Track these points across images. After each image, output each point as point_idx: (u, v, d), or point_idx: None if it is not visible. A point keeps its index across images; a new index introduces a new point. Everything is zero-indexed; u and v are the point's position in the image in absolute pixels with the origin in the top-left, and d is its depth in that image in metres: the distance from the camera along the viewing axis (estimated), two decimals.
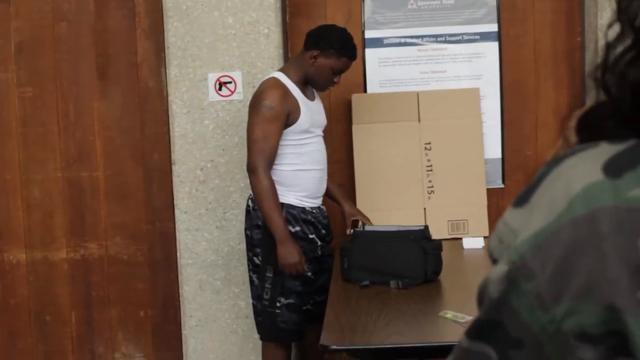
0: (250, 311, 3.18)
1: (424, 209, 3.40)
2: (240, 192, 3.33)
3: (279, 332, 3.03)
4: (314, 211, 3.07)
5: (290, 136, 2.97)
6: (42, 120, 3.59)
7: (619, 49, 0.66)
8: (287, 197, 2.99)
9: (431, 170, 3.40)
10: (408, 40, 3.48)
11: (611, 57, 0.67)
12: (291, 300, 3.00)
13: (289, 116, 2.94)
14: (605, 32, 0.69)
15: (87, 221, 3.63)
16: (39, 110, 3.59)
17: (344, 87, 3.47)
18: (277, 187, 2.93)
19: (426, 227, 2.88)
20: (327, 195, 3.21)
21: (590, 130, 0.69)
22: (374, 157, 3.37)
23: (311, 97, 3.05)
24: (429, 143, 3.40)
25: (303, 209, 3.03)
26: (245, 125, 3.01)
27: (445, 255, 2.81)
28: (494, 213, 3.36)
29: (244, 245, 3.13)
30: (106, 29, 3.56)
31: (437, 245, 2.81)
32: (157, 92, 3.58)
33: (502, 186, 3.50)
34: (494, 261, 0.68)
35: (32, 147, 3.60)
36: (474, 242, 3.24)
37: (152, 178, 3.62)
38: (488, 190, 3.39)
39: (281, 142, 2.95)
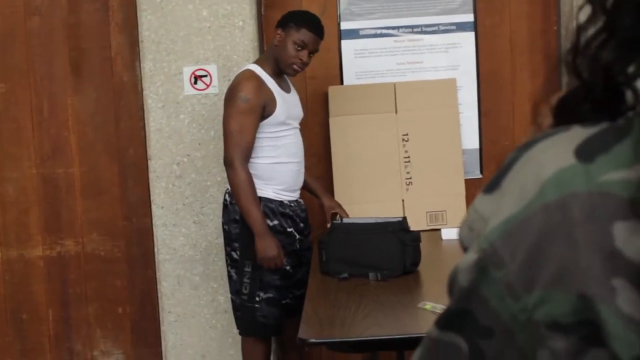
0: (229, 306, 3.16)
1: (402, 200, 3.39)
2: (217, 187, 3.30)
3: (258, 326, 3.02)
4: (292, 204, 3.05)
5: (267, 129, 2.94)
6: (15, 116, 3.55)
7: (590, 31, 0.65)
8: (265, 190, 2.97)
9: (409, 161, 3.39)
10: (384, 31, 3.46)
11: (582, 40, 0.66)
12: (270, 295, 2.99)
13: (265, 108, 2.91)
14: (576, 15, 0.68)
15: (62, 218, 3.59)
16: (12, 106, 3.55)
17: (321, 79, 3.45)
18: (255, 180, 2.91)
19: (404, 218, 2.87)
20: (306, 188, 3.19)
21: (565, 115, 0.68)
22: (351, 149, 3.36)
23: (287, 89, 3.03)
24: (407, 134, 3.39)
25: (281, 203, 3.02)
26: (221, 118, 2.98)
27: (424, 246, 2.81)
28: None
29: (221, 240, 3.11)
30: (79, 23, 3.51)
31: (416, 236, 2.80)
32: (132, 87, 3.55)
33: (480, 176, 3.50)
34: (465, 249, 0.67)
35: (6, 144, 3.55)
36: (452, 233, 3.23)
37: (128, 173, 3.58)
38: (466, 180, 3.39)
39: (258, 135, 2.92)
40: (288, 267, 3.02)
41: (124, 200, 3.58)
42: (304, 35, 2.92)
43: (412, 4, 3.46)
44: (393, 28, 3.46)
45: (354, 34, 3.46)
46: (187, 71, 3.30)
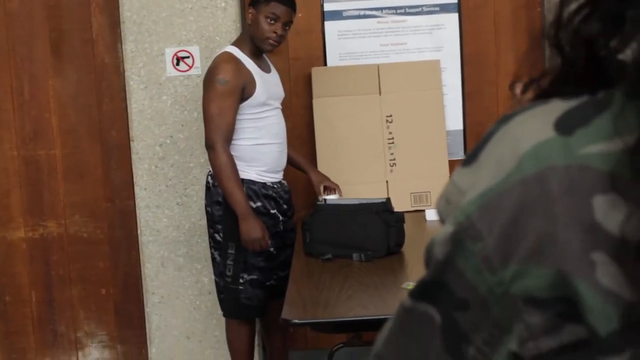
0: (213, 287, 3.16)
1: (387, 182, 3.40)
2: (200, 168, 3.29)
3: (242, 308, 3.02)
4: (275, 186, 3.05)
5: (247, 110, 2.93)
6: None
7: (573, 5, 0.65)
8: (247, 172, 2.96)
9: (393, 143, 3.39)
10: (367, 12, 3.45)
11: (565, 14, 0.65)
12: (254, 276, 2.99)
13: (244, 90, 2.90)
14: None
15: (45, 200, 3.57)
16: None
17: (304, 60, 3.44)
18: (237, 162, 2.90)
19: (388, 199, 2.88)
20: (292, 164, 3.19)
21: (546, 90, 0.67)
22: (335, 131, 3.35)
23: (266, 69, 3.01)
24: (390, 116, 3.39)
25: (264, 184, 3.01)
26: None
27: (408, 227, 2.82)
28: None
29: (205, 222, 3.11)
30: (59, 4, 3.47)
31: (399, 217, 2.81)
32: (114, 68, 3.52)
33: (464, 158, 3.51)
34: (443, 222, 0.66)
35: None
36: (436, 214, 3.24)
37: (110, 155, 3.56)
38: (450, 162, 3.40)
39: (239, 117, 2.91)
40: (272, 249, 3.02)
41: (106, 182, 3.57)
42: (273, 7, 2.90)
43: None
44: (376, 9, 3.45)
45: (337, 15, 3.45)
46: (169, 52, 3.28)
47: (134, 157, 3.34)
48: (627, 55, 0.62)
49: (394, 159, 3.39)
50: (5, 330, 3.62)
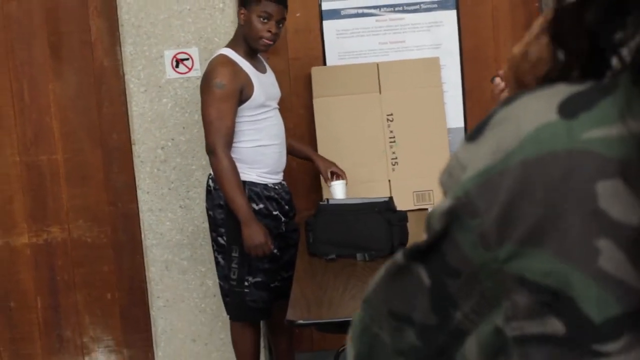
0: (217, 290, 3.16)
1: (389, 181, 3.39)
2: (202, 170, 3.29)
3: (248, 311, 3.02)
4: (276, 187, 3.04)
5: (247, 112, 2.92)
6: None
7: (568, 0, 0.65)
8: (249, 174, 2.96)
9: (394, 141, 3.39)
10: (365, 10, 3.44)
11: (562, 9, 0.65)
12: (259, 279, 2.98)
13: (242, 92, 2.89)
14: None
15: (48, 205, 3.57)
16: None
17: (303, 60, 3.43)
18: (239, 165, 2.90)
19: (390, 198, 2.87)
20: (296, 155, 3.19)
21: (550, 75, 0.67)
22: (336, 130, 3.34)
23: (262, 70, 3.00)
24: (391, 114, 3.38)
25: (265, 186, 3.01)
26: None
27: (411, 226, 2.81)
28: None
29: (208, 225, 3.10)
30: (57, 7, 3.47)
31: (402, 216, 2.81)
32: (113, 71, 3.52)
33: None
34: (445, 194, 0.67)
35: None
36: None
37: (112, 159, 3.56)
38: None
39: (238, 120, 2.90)
40: (275, 250, 3.01)
41: (108, 185, 3.57)
42: (265, 6, 2.86)
43: None
44: (374, 7, 3.43)
45: (335, 14, 3.44)
46: (169, 55, 3.27)
47: (135, 160, 3.34)
48: (631, 46, 0.61)
49: (396, 158, 3.39)
50: (11, 336, 3.62)
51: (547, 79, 0.67)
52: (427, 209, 3.30)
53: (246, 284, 2.98)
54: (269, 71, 3.05)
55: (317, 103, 3.37)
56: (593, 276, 0.60)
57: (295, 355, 3.41)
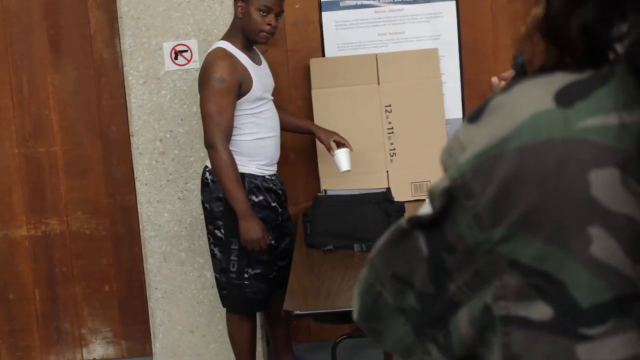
0: (215, 281, 3.16)
1: (387, 172, 3.39)
2: (201, 162, 3.29)
3: (248, 303, 3.02)
4: (273, 178, 3.05)
5: (246, 105, 2.92)
6: None
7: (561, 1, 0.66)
8: (249, 167, 2.96)
9: (392, 132, 3.38)
10: (365, 2, 3.43)
11: (556, 6, 0.66)
12: (258, 270, 2.98)
13: (241, 86, 2.88)
14: None
15: (46, 197, 3.57)
16: None
17: (302, 52, 3.43)
18: (238, 157, 2.89)
19: (388, 189, 2.87)
20: (296, 130, 3.20)
21: (549, 65, 0.68)
22: (334, 121, 3.34)
23: (258, 62, 2.99)
24: (389, 105, 3.38)
25: (264, 178, 3.01)
26: None
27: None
28: None
29: None
30: (57, 1, 3.47)
31: (400, 207, 2.81)
32: (112, 64, 3.52)
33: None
34: (445, 172, 0.69)
35: None
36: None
37: (111, 151, 3.56)
38: None
39: (237, 113, 2.89)
40: (273, 242, 3.01)
41: (107, 177, 3.57)
42: (266, 0, 2.86)
43: None
44: None
45: (334, 5, 3.43)
46: (167, 47, 3.27)
47: (134, 152, 3.34)
48: (625, 43, 0.62)
49: (394, 149, 3.39)
50: (9, 328, 3.63)
51: (546, 64, 0.68)
52: (425, 200, 3.30)
53: (246, 275, 2.97)
54: (264, 62, 3.05)
55: (315, 94, 3.37)
56: (584, 263, 0.61)
57: (294, 345, 3.42)
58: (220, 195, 2.93)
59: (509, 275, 0.63)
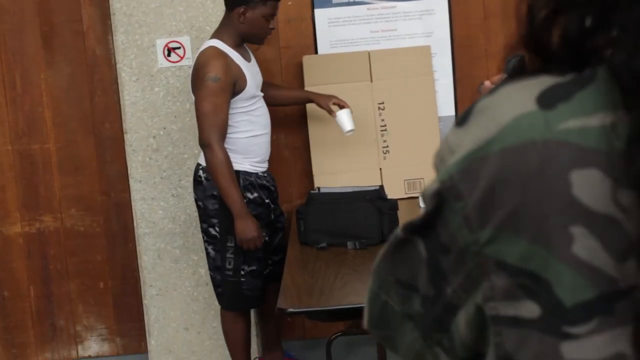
0: (210, 279, 3.17)
1: (380, 169, 3.40)
2: (194, 159, 3.29)
3: (244, 300, 3.03)
4: (265, 175, 3.06)
5: (240, 103, 2.93)
6: None
7: (542, 14, 0.67)
8: (243, 164, 2.97)
9: (385, 130, 3.39)
10: None
11: (537, 21, 0.67)
12: (253, 267, 3.00)
13: (236, 84, 2.89)
14: None
15: (40, 194, 3.57)
16: None
17: (295, 49, 3.43)
18: (233, 155, 2.90)
19: (381, 187, 2.88)
20: (294, 101, 3.23)
21: (533, 68, 0.69)
22: (327, 119, 3.34)
23: (248, 58, 3.00)
24: (382, 103, 3.39)
25: (257, 175, 3.02)
26: None
27: (402, 214, 2.82)
28: None
29: None
30: None
31: (393, 204, 2.82)
32: (105, 60, 3.52)
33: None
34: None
35: None
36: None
37: (104, 148, 3.57)
38: None
39: (232, 111, 2.90)
40: (267, 238, 3.03)
41: (101, 174, 3.57)
42: (272, 8, 2.91)
43: None
44: None
45: (327, 2, 3.43)
46: (160, 43, 3.27)
47: (127, 149, 3.35)
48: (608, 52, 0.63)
49: (387, 146, 3.39)
50: (4, 325, 3.63)
51: (531, 68, 0.69)
52: (418, 197, 3.31)
53: (242, 272, 2.99)
54: (253, 59, 3.06)
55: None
56: (567, 262, 0.62)
57: (288, 343, 3.43)
58: (214, 193, 2.93)
59: (496, 276, 0.64)
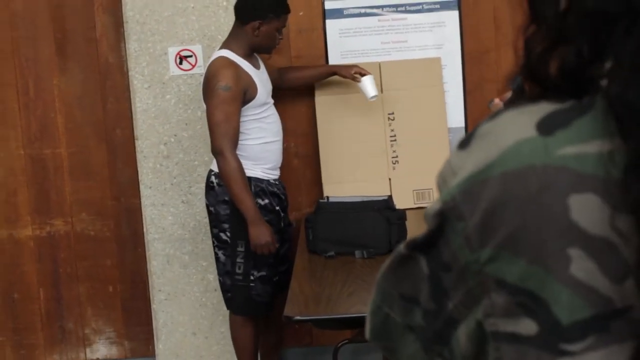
0: (218, 284, 3.19)
1: (389, 179, 3.42)
2: (204, 166, 3.32)
3: (254, 305, 3.06)
4: (277, 183, 3.10)
5: (251, 111, 2.97)
6: (2, 97, 3.55)
7: (538, 48, 0.69)
8: (254, 170, 3.00)
9: (395, 140, 3.41)
10: (368, 10, 3.46)
11: (534, 54, 0.70)
12: (263, 273, 3.03)
13: (246, 93, 2.94)
14: (523, 32, 0.72)
15: (51, 198, 3.61)
16: None
17: (306, 59, 3.46)
18: (244, 161, 2.94)
19: (390, 197, 2.90)
20: (318, 78, 3.27)
21: (535, 94, 0.71)
22: (337, 128, 3.37)
23: (257, 66, 3.06)
24: (392, 113, 3.41)
25: (269, 182, 3.06)
26: None
27: (411, 224, 2.84)
28: None
29: None
30: (63, 4, 3.50)
31: (401, 214, 2.84)
32: (118, 68, 3.55)
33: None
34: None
35: None
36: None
37: (115, 154, 3.60)
38: None
39: (244, 119, 2.95)
40: (277, 245, 3.05)
41: (112, 180, 3.60)
42: (284, 20, 3.01)
43: None
44: (377, 7, 3.46)
45: (338, 13, 3.46)
46: (172, 52, 3.30)
47: (138, 155, 3.38)
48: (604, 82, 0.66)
49: (396, 157, 3.42)
50: (14, 327, 3.67)
51: (532, 94, 0.72)
52: (426, 208, 3.32)
53: (252, 278, 3.02)
54: (262, 66, 3.10)
55: (319, 101, 3.40)
56: (565, 282, 0.64)
57: (295, 350, 3.45)
58: (226, 198, 2.97)
59: (496, 294, 0.67)
